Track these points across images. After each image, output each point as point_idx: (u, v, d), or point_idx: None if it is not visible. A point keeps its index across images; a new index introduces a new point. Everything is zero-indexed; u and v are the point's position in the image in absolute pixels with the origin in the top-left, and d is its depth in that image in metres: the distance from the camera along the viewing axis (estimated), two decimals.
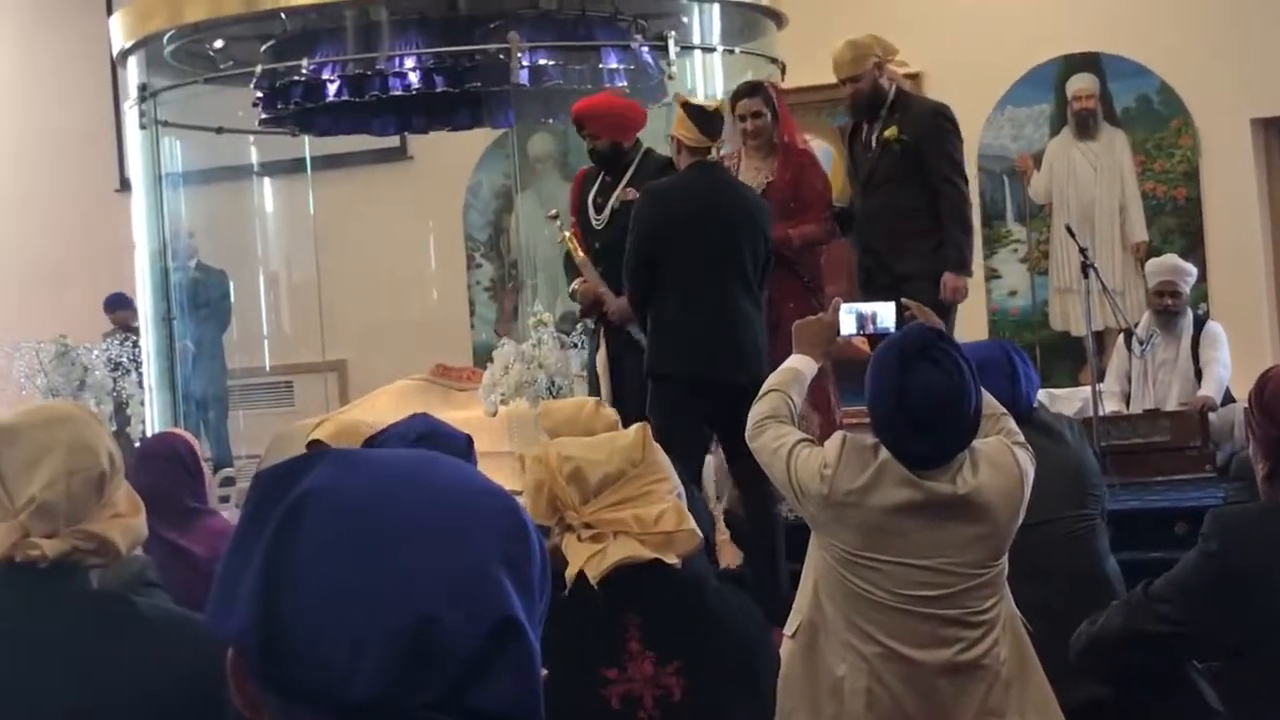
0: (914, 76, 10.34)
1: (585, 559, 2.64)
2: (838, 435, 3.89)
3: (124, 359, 8.05)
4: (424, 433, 3.57)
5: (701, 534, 2.92)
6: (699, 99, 6.98)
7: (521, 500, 2.77)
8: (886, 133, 7.26)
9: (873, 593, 3.72)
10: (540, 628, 1.24)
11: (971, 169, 10.47)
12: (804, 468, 3.82)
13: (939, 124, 7.29)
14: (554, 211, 7.91)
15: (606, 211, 7.33)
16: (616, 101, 7.56)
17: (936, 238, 7.19)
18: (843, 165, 8.25)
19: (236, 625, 1.23)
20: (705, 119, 6.70)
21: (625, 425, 5.67)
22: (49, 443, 2.44)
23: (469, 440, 3.83)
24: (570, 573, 2.62)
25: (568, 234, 7.52)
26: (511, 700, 1.21)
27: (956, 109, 10.28)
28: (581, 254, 7.36)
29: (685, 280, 6.60)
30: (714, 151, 6.76)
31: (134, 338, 11.17)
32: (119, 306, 11.84)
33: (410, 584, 1.21)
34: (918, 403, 3.68)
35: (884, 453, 3.75)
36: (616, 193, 7.29)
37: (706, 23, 8.37)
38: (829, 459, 3.78)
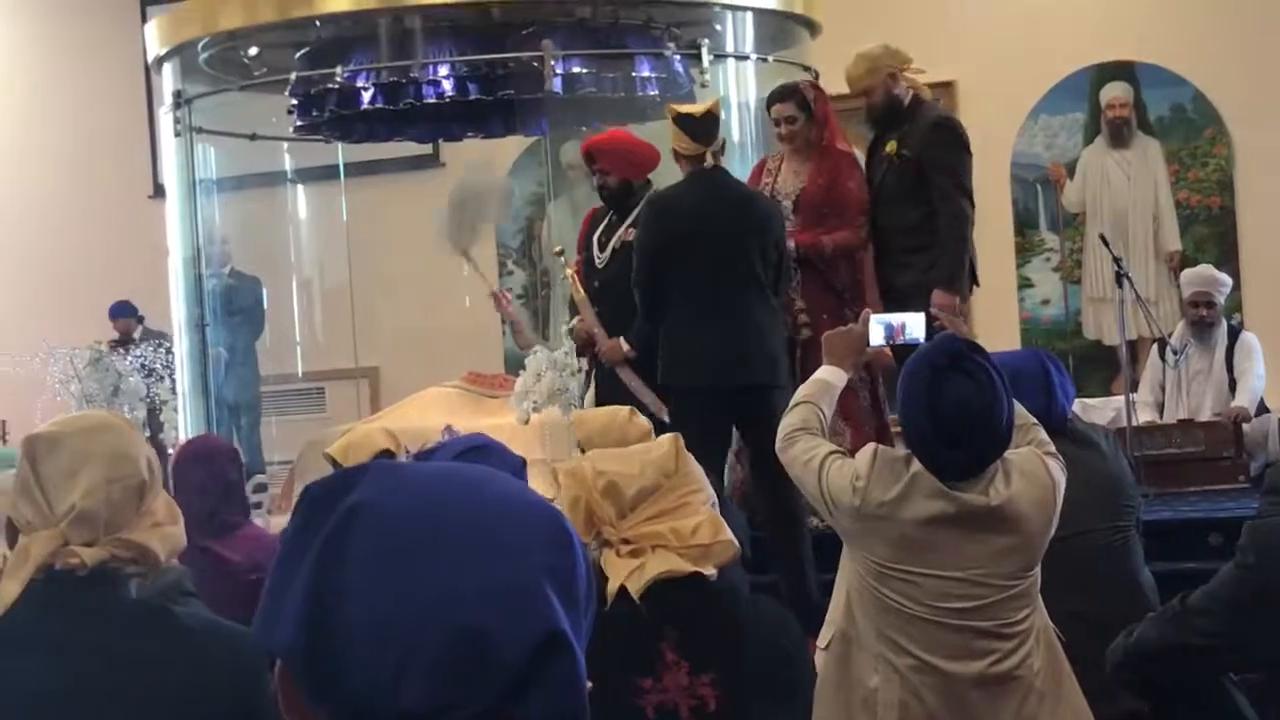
0: (948, 85, 10.34)
1: (625, 574, 2.63)
2: (869, 447, 3.88)
3: (157, 365, 8.09)
4: (478, 445, 3.58)
5: (738, 544, 2.92)
6: (688, 106, 6.93)
7: None
8: (888, 147, 7.18)
9: (905, 605, 3.72)
10: (585, 640, 1.25)
11: (1005, 177, 10.51)
12: (836, 480, 3.82)
13: (938, 136, 7.12)
14: (559, 248, 7.88)
15: (608, 251, 7.32)
16: (630, 139, 7.53)
17: (934, 254, 7.06)
18: None
19: (285, 637, 1.24)
20: (693, 125, 6.67)
21: None
22: (89, 452, 2.46)
23: (524, 463, 3.86)
24: (611, 589, 2.62)
25: (570, 271, 7.52)
26: (557, 713, 1.22)
27: (990, 117, 10.34)
28: (581, 293, 7.36)
29: (691, 290, 6.59)
30: (709, 157, 6.72)
31: (133, 347, 11.25)
32: (121, 314, 11.90)
33: (457, 597, 1.21)
34: (949, 414, 3.67)
35: (916, 464, 3.74)
36: (619, 232, 7.27)
37: (740, 31, 8.35)
38: (861, 471, 3.78)
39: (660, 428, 6.40)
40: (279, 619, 1.25)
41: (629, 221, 7.23)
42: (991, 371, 3.73)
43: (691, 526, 2.76)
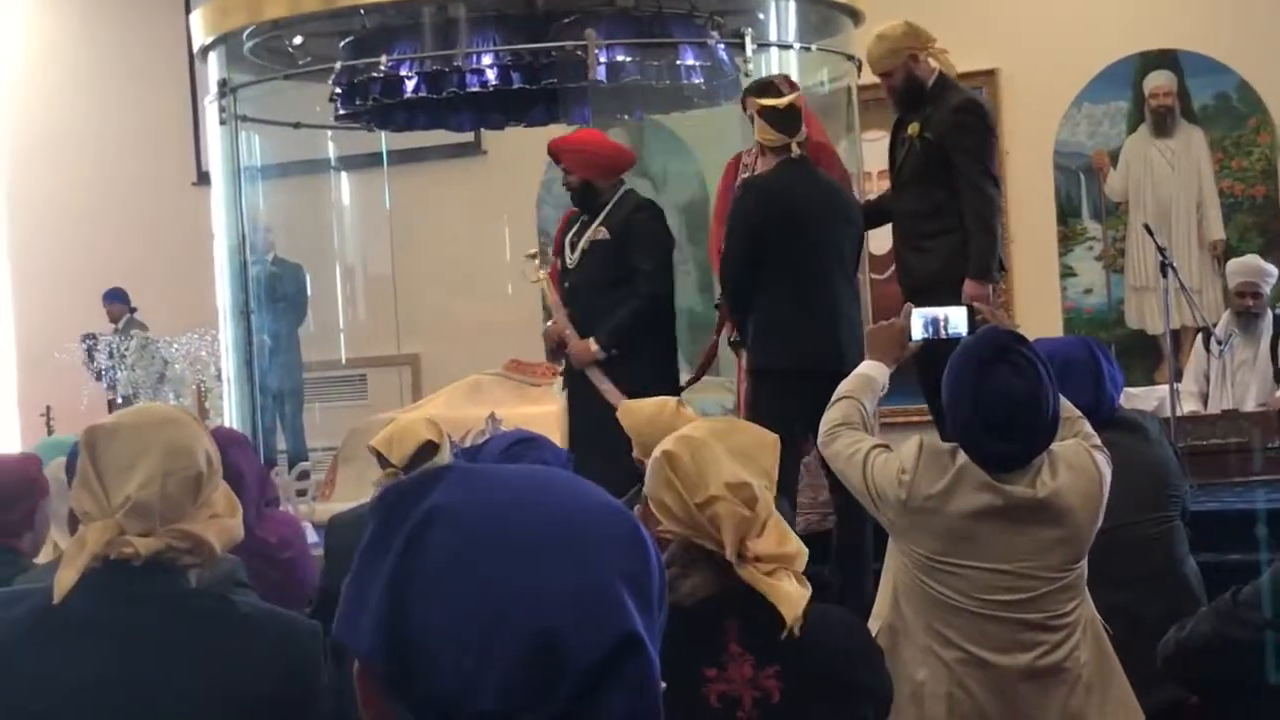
0: (990, 74, 10.32)
1: (796, 602, 2.64)
2: (914, 440, 3.88)
3: (203, 352, 8.15)
4: (525, 438, 3.61)
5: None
6: (770, 99, 6.86)
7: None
8: (910, 129, 7.03)
9: (952, 597, 3.72)
10: (659, 641, 1.26)
11: (1048, 166, 10.48)
12: (881, 473, 3.82)
13: (960, 119, 6.82)
14: (533, 251, 7.83)
15: (578, 252, 7.24)
16: (596, 140, 7.45)
17: (958, 239, 6.78)
18: None
19: (364, 638, 1.26)
20: (777, 117, 6.65)
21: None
22: (147, 444, 2.48)
23: (569, 455, 3.90)
24: (789, 616, 2.63)
25: (543, 274, 7.46)
26: (632, 714, 1.23)
27: (1033, 106, 10.31)
28: (554, 296, 7.30)
29: (784, 273, 6.54)
30: (795, 148, 6.69)
31: (120, 333, 11.33)
32: (113, 300, 11.98)
33: (534, 599, 1.23)
34: (995, 406, 3.67)
35: (962, 457, 3.74)
36: (588, 233, 7.20)
37: (783, 19, 8.34)
38: (906, 464, 3.78)
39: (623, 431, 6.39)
40: (359, 619, 1.27)
41: (598, 221, 7.17)
42: (1037, 363, 3.73)
43: (792, 541, 2.75)
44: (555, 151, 7.32)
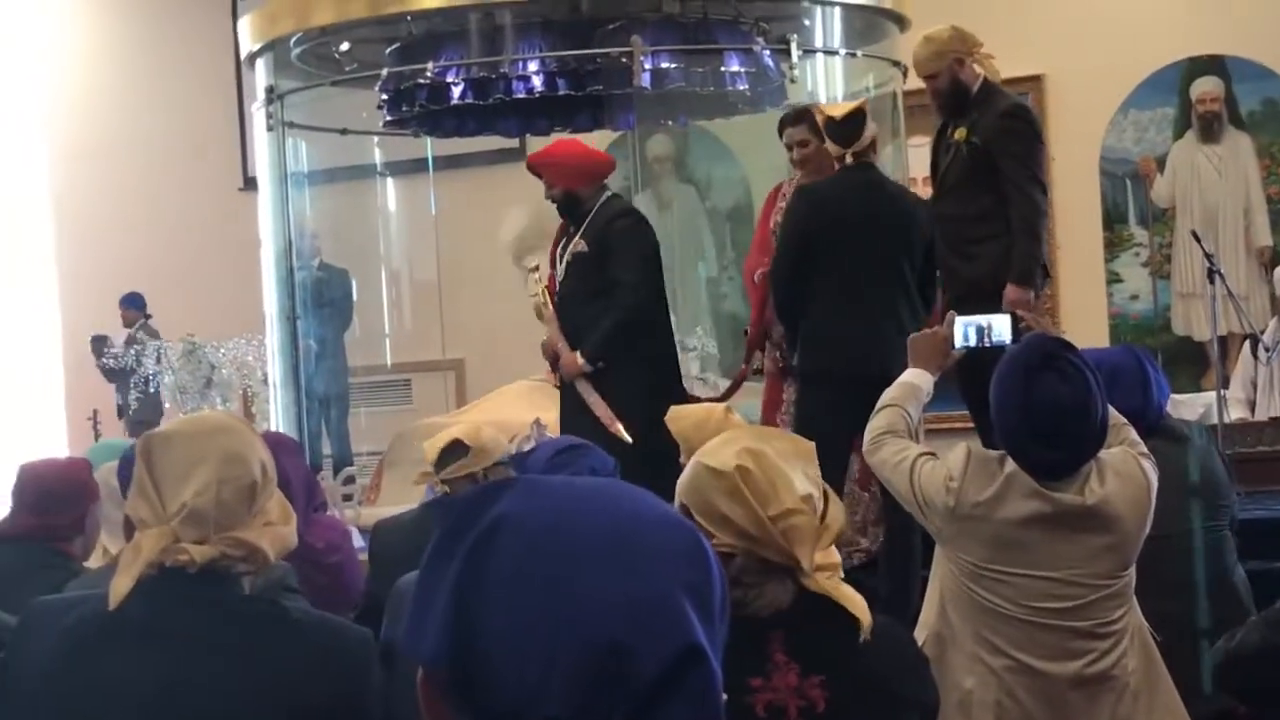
0: (1036, 79, 10.30)
1: (862, 606, 2.66)
2: (962, 447, 3.88)
3: (250, 357, 8.19)
4: (573, 445, 3.63)
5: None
6: (833, 108, 6.84)
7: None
8: (957, 134, 6.99)
9: (1000, 605, 3.72)
10: (721, 653, 1.27)
11: (1094, 172, 10.45)
12: (928, 481, 3.82)
13: (1007, 124, 6.78)
14: (534, 264, 7.70)
15: (563, 264, 7.22)
16: (570, 149, 7.37)
17: (1004, 244, 6.72)
18: None
19: (429, 646, 1.28)
20: (832, 128, 6.64)
21: None
22: (202, 452, 2.51)
23: (616, 463, 3.91)
24: (865, 620, 2.64)
25: (542, 288, 7.40)
26: None
27: (1079, 112, 10.28)
28: (550, 309, 7.24)
29: (833, 280, 6.52)
30: (850, 157, 6.66)
31: (131, 338, 11.42)
32: (128, 306, 12.08)
33: (597, 609, 1.24)
34: (1044, 413, 3.67)
35: (1010, 464, 3.74)
36: (571, 244, 7.17)
37: (828, 25, 8.34)
38: (954, 472, 3.78)
39: (614, 443, 6.39)
40: (424, 628, 1.28)
41: (580, 233, 7.13)
42: (1085, 370, 3.73)
43: (833, 548, 2.77)
44: (533, 166, 7.28)
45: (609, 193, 7.27)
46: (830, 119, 6.65)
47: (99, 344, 12.10)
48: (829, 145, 6.64)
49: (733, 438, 2.80)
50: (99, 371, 11.99)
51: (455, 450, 4.54)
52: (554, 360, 7.27)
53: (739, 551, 2.63)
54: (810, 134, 7.11)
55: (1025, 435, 3.71)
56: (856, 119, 6.63)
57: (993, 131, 6.77)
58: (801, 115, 7.24)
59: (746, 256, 7.90)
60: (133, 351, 11.05)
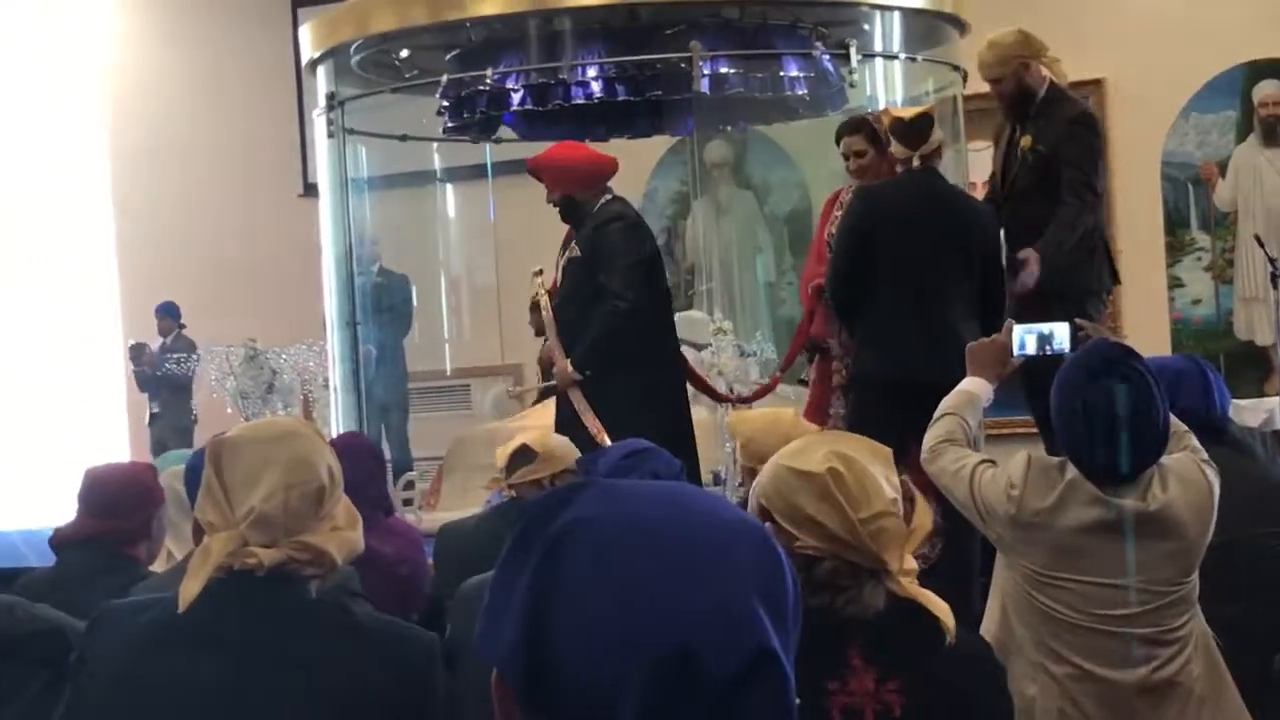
0: (1097, 83, 10.25)
1: (946, 609, 2.67)
2: (1022, 455, 3.88)
3: (311, 363, 8.23)
4: (640, 449, 3.65)
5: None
6: (901, 110, 6.80)
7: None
8: (1023, 140, 6.96)
9: (1063, 612, 3.71)
10: (793, 657, 1.27)
11: (1155, 176, 10.39)
12: (989, 489, 3.82)
13: (1073, 131, 6.81)
14: (539, 269, 7.68)
15: (560, 270, 7.19)
16: (569, 153, 7.30)
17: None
18: None
19: (503, 650, 1.28)
20: (898, 130, 6.61)
21: None
22: (271, 457, 2.53)
23: (682, 466, 3.93)
24: (949, 623, 2.65)
25: (544, 293, 7.37)
26: None
27: (1141, 116, 10.22)
28: (549, 316, 7.19)
29: (888, 283, 6.46)
30: (917, 160, 6.64)
31: (167, 347, 11.51)
32: (164, 314, 12.18)
33: (670, 614, 1.24)
34: (1107, 419, 3.66)
35: (1071, 471, 3.73)
36: (568, 250, 7.14)
37: (888, 30, 8.32)
38: (1015, 479, 3.77)
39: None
40: (497, 630, 1.29)
41: (577, 239, 7.09)
42: (1147, 375, 3.72)
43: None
44: (533, 170, 7.22)
45: (608, 196, 7.17)
46: (899, 120, 6.61)
47: (137, 351, 12.22)
48: (895, 147, 6.59)
49: (817, 441, 2.80)
50: (135, 379, 12.13)
51: (524, 456, 4.56)
52: (549, 367, 7.25)
53: (826, 555, 2.64)
54: (867, 143, 7.06)
55: (1087, 440, 3.71)
56: (925, 122, 6.59)
57: (1059, 138, 6.76)
58: (859, 124, 7.19)
59: (804, 264, 7.86)
60: (173, 359, 11.15)
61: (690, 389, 7.33)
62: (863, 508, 2.65)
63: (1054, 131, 6.78)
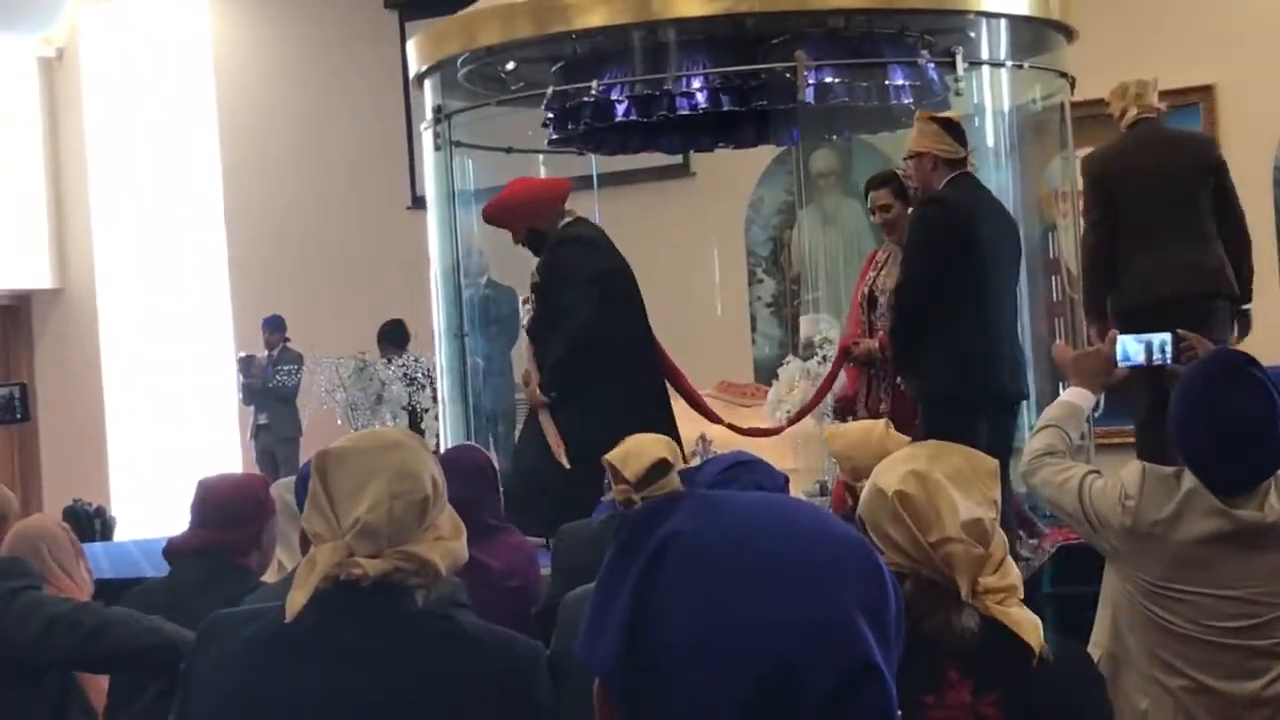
0: (1207, 89, 10.12)
1: (1036, 630, 2.65)
2: (1135, 464, 3.84)
3: (419, 375, 8.28)
4: (743, 461, 3.64)
5: None
6: (940, 114, 6.79)
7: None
8: None
9: (1178, 624, 3.66)
10: (896, 671, 1.26)
11: (1266, 183, 10.24)
12: (1101, 499, 3.78)
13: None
14: (525, 296, 7.92)
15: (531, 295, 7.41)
16: (514, 189, 7.59)
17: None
18: None
19: (605, 658, 1.28)
20: (955, 129, 6.51)
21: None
22: (375, 468, 2.55)
23: (787, 479, 3.91)
24: (1034, 642, 2.63)
25: (530, 318, 7.62)
26: None
27: (1251, 122, 10.09)
28: (526, 339, 7.53)
29: (972, 297, 6.35)
30: (970, 160, 6.61)
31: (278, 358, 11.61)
32: (270, 329, 12.29)
33: (773, 627, 1.24)
34: (1228, 428, 3.63)
35: (1188, 481, 3.69)
36: (532, 276, 7.39)
37: (994, 37, 8.25)
38: (1130, 489, 3.73)
39: (557, 471, 6.79)
40: (600, 640, 1.29)
41: (538, 264, 7.38)
42: (1268, 384, 3.67)
43: (1012, 571, 2.74)
44: (489, 220, 7.59)
45: (568, 219, 7.42)
46: (948, 120, 6.56)
47: (246, 363, 12.35)
48: (950, 147, 6.47)
49: (907, 456, 2.76)
50: (242, 391, 12.26)
51: (660, 469, 4.53)
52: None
53: (908, 572, 2.61)
54: (893, 197, 7.10)
55: (1209, 450, 3.66)
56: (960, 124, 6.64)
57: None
58: (888, 179, 7.25)
59: (844, 328, 7.79)
60: (283, 370, 11.26)
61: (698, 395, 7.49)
62: (932, 531, 2.62)
63: None
